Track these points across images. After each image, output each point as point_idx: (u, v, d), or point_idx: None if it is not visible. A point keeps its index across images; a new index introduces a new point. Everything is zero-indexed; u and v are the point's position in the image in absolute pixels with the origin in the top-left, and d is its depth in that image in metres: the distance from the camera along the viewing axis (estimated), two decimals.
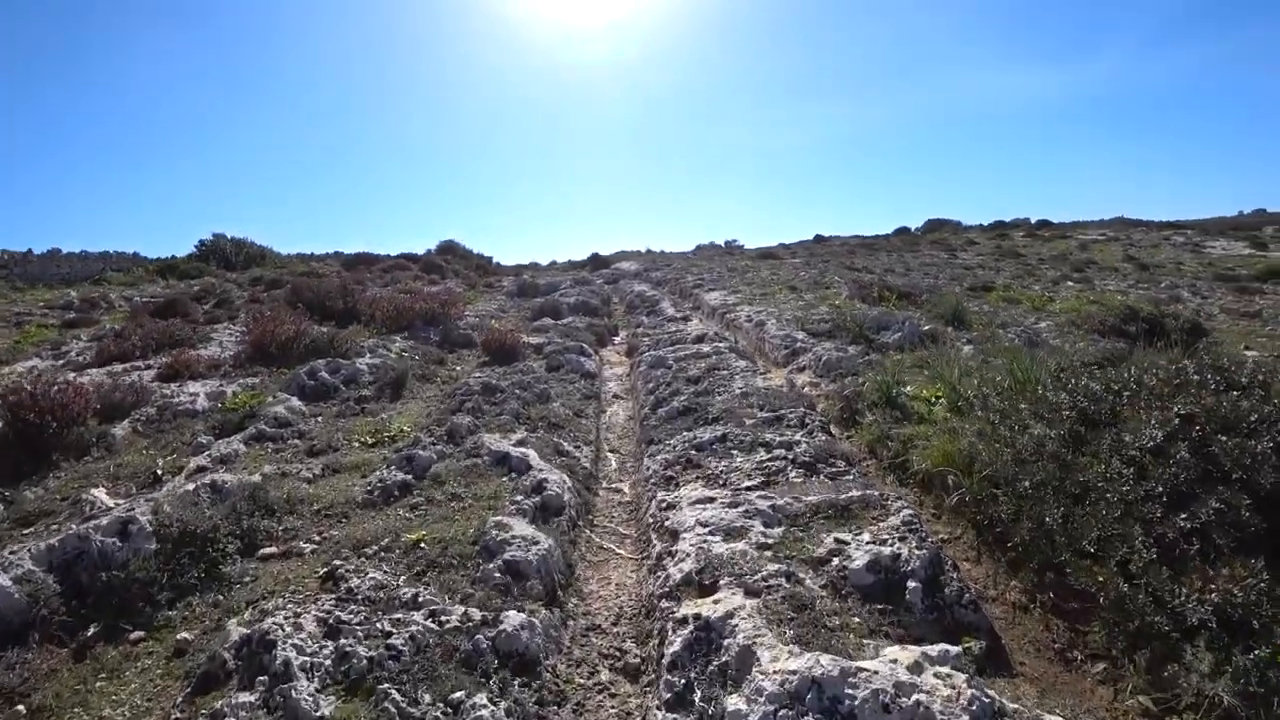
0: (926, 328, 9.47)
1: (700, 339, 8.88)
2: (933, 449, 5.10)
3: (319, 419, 6.66)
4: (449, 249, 27.36)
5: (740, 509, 4.03)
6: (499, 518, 3.98)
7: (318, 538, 4.19)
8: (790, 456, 4.83)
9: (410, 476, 4.80)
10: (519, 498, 4.30)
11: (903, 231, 42.04)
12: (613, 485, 5.39)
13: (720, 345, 7.91)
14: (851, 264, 23.28)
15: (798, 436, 5.20)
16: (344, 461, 5.36)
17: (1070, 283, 20.80)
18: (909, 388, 6.61)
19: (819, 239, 40.96)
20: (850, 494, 4.21)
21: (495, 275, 23.95)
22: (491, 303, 14.69)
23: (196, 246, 28.17)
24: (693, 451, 5.07)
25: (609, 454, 6.03)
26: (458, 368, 8.75)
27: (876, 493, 4.27)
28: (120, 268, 26.06)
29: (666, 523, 4.11)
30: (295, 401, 6.92)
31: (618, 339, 11.84)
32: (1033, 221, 42.60)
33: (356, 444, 5.87)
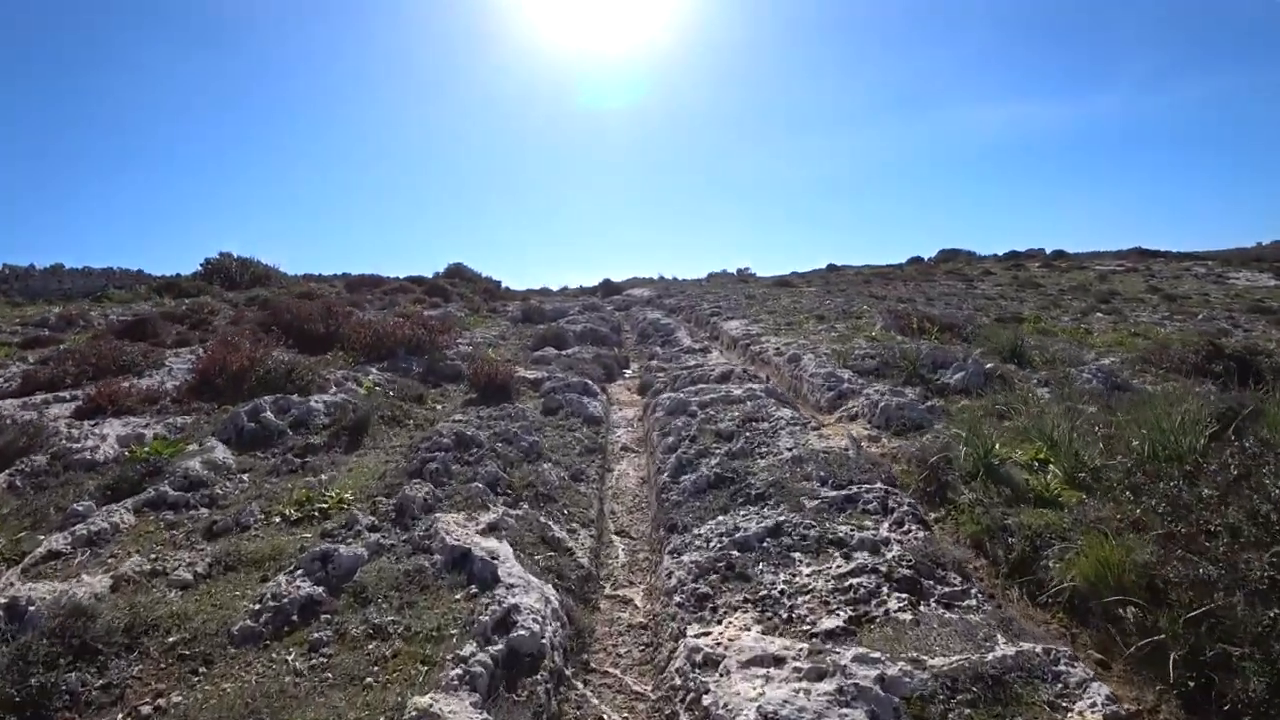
0: (989, 366, 7.80)
1: (726, 377, 7.23)
2: (1081, 556, 3.41)
3: (246, 476, 5.03)
4: (457, 272, 25.88)
5: (828, 684, 2.35)
6: (429, 698, 2.32)
7: (148, 707, 2.54)
8: (881, 567, 3.15)
9: (322, 589, 3.15)
10: (470, 647, 2.63)
11: (916, 261, 40.40)
12: (619, 592, 3.72)
13: (755, 387, 6.24)
14: (872, 293, 21.68)
15: (884, 530, 3.53)
16: (246, 550, 3.72)
17: (1099, 314, 19.04)
18: (997, 445, 4.92)
19: (832, 268, 39.41)
20: (998, 650, 2.53)
21: (503, 300, 22.46)
22: (492, 329, 13.12)
23: (201, 265, 26.88)
24: (735, 552, 3.40)
25: (614, 537, 4.36)
26: (439, 406, 7.13)
27: (1037, 648, 2.59)
28: (123, 284, 24.76)
29: (705, 699, 2.44)
30: (220, 452, 5.31)
31: (629, 372, 10.20)
32: (1048, 252, 40.92)
33: (277, 518, 4.23)
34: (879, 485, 4.00)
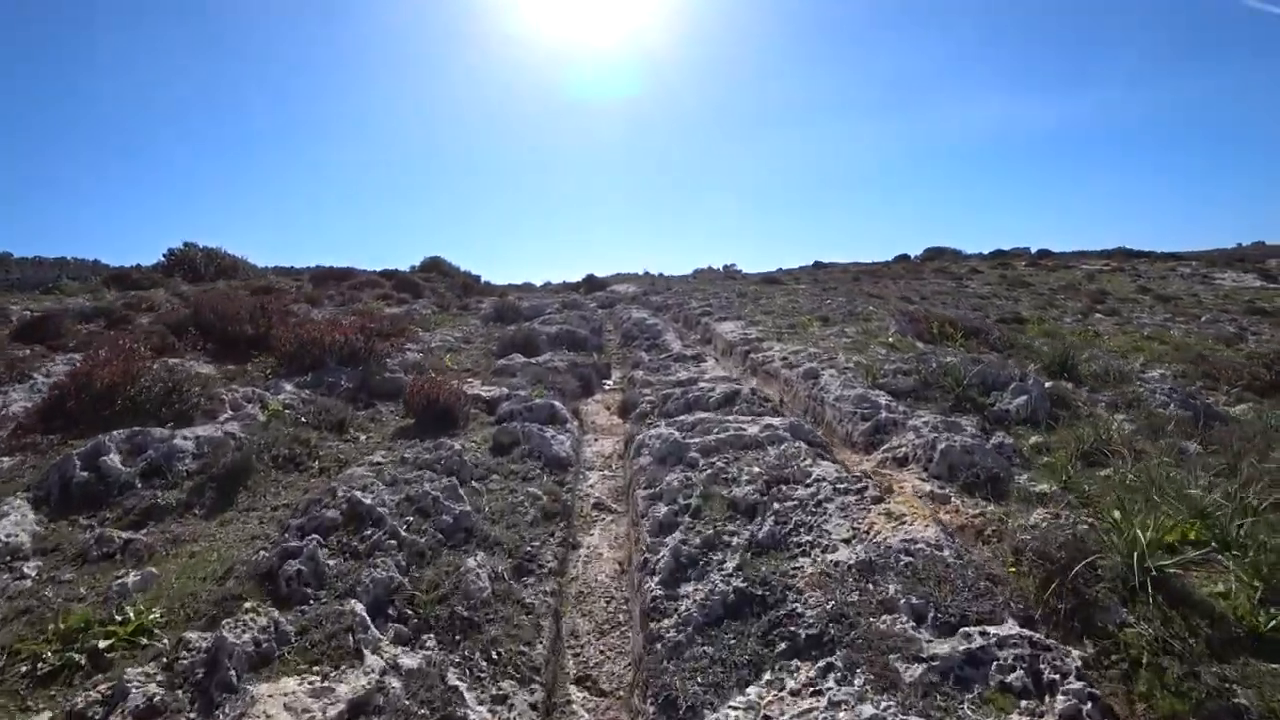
0: (1049, 385, 6.18)
1: (730, 400, 5.53)
2: None
3: (35, 567, 3.27)
4: (434, 266, 23.93)
5: None
6: None
7: None
8: None
9: None
10: None
11: (903, 259, 38.99)
12: None
13: (775, 424, 4.50)
14: (866, 291, 20.11)
15: None
16: None
17: (1099, 315, 17.56)
18: (1142, 529, 3.24)
19: (819, 265, 37.94)
20: None
21: (480, 295, 20.63)
22: (458, 329, 11.33)
23: (164, 255, 24.78)
24: None
25: (573, 691, 2.65)
26: (362, 437, 5.37)
27: None
28: (78, 276, 22.61)
29: None
30: (14, 522, 3.54)
31: (609, 383, 8.49)
32: (1033, 251, 39.71)
33: (22, 667, 2.50)
34: (1011, 626, 2.32)
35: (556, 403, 5.76)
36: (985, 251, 40.03)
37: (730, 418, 4.79)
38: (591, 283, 27.33)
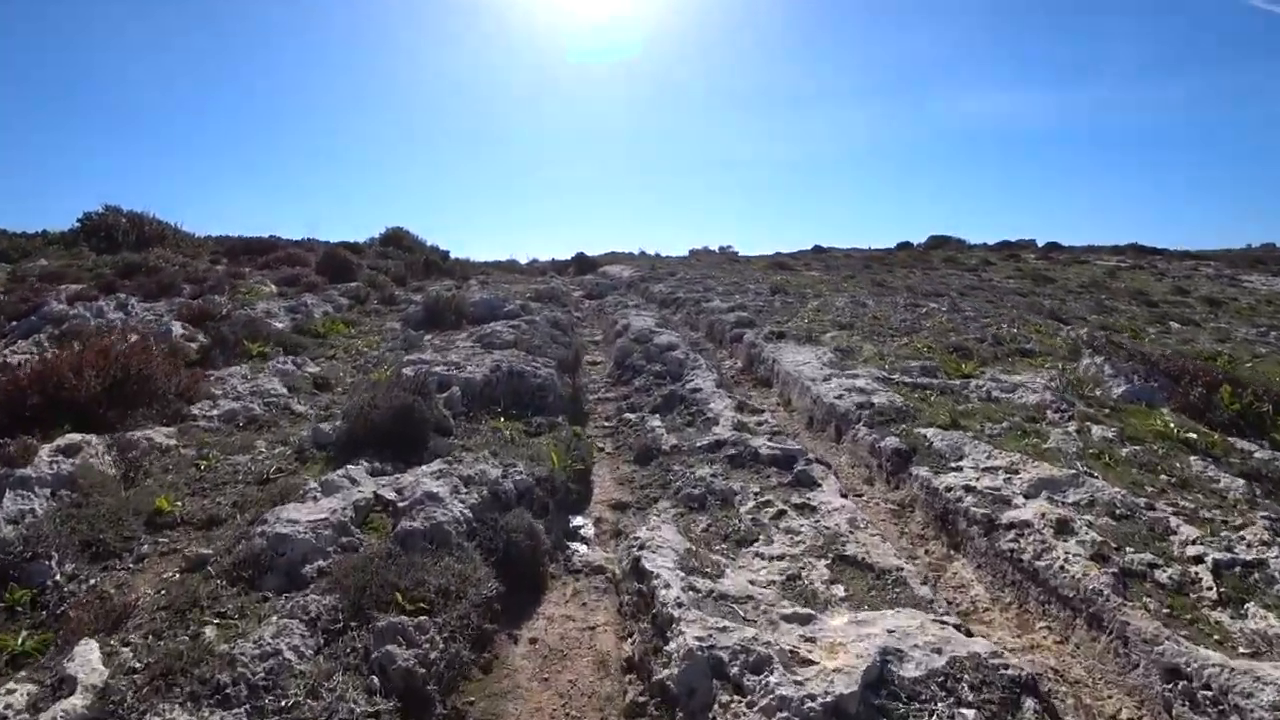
0: None
1: None
2: None
3: None
4: (394, 239, 18.38)
5: None
6: None
7: None
8: None
9: None
10: None
11: (906, 246, 33.77)
12: None
13: None
14: (922, 288, 14.95)
15: None
16: None
17: (1174, 324, 12.36)
18: None
19: (819, 249, 32.62)
20: None
21: (442, 277, 15.23)
22: (330, 355, 6.04)
23: (79, 221, 19.07)
24: None
25: None
26: None
27: None
28: None
29: None
30: None
31: (581, 546, 3.30)
32: (1039, 244, 34.61)
33: None
34: None
35: None
36: (990, 242, 34.90)
37: None
38: (582, 262, 21.88)
